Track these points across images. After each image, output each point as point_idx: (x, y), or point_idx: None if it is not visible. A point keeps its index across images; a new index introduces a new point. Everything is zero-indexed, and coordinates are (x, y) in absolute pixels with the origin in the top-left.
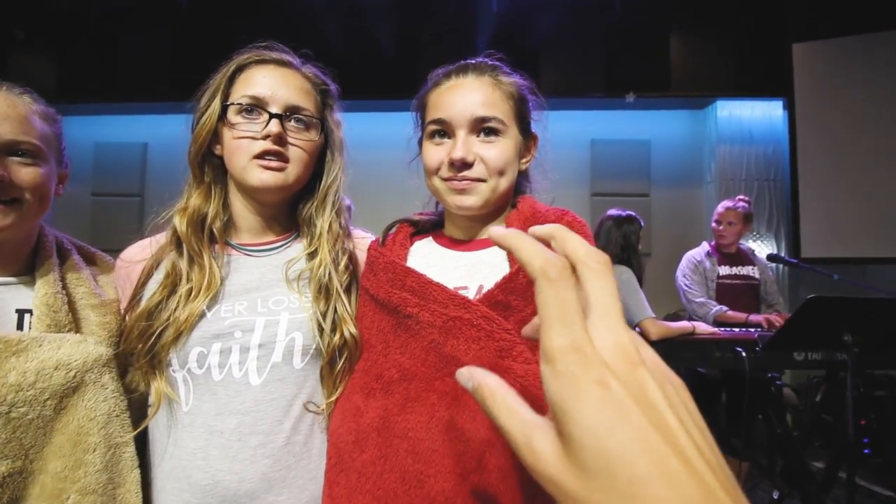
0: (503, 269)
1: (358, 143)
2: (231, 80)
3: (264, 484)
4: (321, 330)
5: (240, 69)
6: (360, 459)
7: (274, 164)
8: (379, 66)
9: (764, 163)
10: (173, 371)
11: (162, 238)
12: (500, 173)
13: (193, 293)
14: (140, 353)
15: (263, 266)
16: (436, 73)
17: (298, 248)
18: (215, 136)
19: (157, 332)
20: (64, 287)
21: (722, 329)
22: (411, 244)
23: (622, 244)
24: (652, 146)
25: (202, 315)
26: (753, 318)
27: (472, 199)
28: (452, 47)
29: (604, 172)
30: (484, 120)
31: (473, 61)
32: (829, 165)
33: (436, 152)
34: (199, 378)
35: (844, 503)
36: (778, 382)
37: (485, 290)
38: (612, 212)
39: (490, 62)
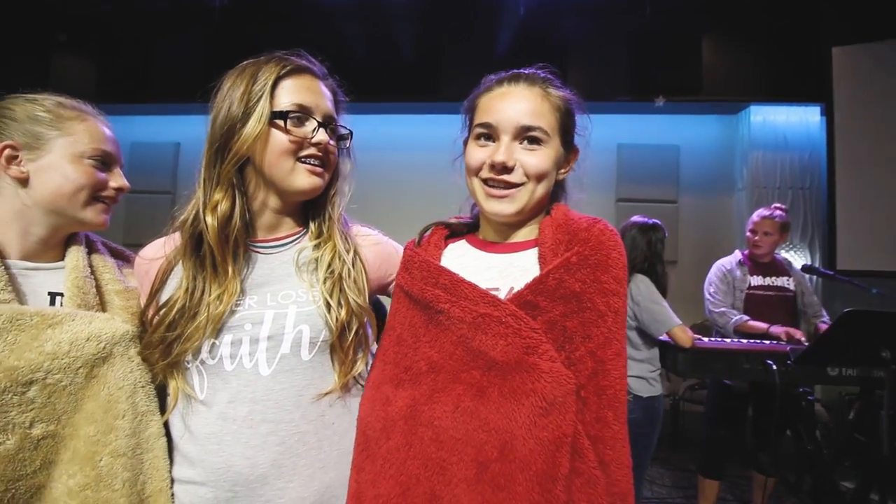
0: (534, 272)
1: (381, 144)
2: (274, 87)
3: (275, 470)
4: (329, 307)
5: (282, 77)
6: (387, 446)
7: (318, 168)
8: (401, 69)
9: (799, 170)
10: (187, 362)
11: (178, 238)
12: (538, 179)
13: (214, 302)
14: (158, 357)
15: (273, 262)
16: (488, 78)
17: (306, 241)
18: None
19: (177, 340)
20: (92, 273)
21: (750, 340)
22: (445, 246)
23: (646, 252)
24: (681, 151)
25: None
26: (774, 329)
27: (509, 207)
28: (478, 51)
29: (630, 178)
30: (528, 129)
31: (526, 71)
32: (868, 174)
33: (479, 153)
34: (211, 368)
35: None
36: (809, 398)
37: (515, 292)
38: (637, 219)
39: (542, 74)
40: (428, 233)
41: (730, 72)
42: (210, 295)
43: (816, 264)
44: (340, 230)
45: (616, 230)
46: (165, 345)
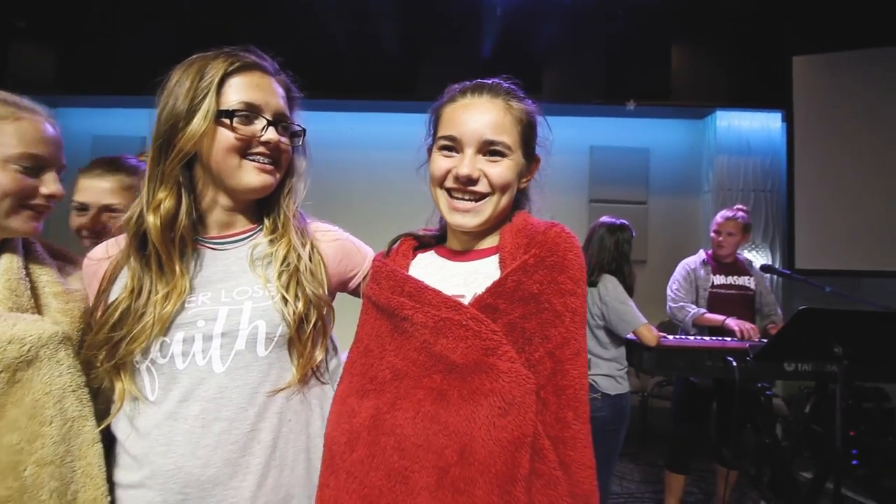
0: (496, 277)
1: (361, 143)
2: (220, 84)
3: (228, 469)
4: (285, 301)
5: (230, 74)
6: (350, 459)
7: (269, 166)
8: (381, 68)
9: (761, 174)
10: (136, 363)
11: (122, 240)
12: (502, 190)
13: (161, 302)
14: (104, 359)
15: (228, 258)
16: (452, 87)
17: (261, 237)
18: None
19: (122, 340)
20: (28, 275)
21: (713, 338)
22: (414, 256)
23: (614, 253)
24: (651, 154)
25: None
26: (730, 322)
27: (473, 220)
28: (455, 52)
29: (602, 179)
30: (492, 143)
31: (490, 82)
32: (825, 178)
33: (443, 163)
34: (162, 367)
35: None
36: (768, 393)
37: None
38: (605, 219)
39: (505, 85)
40: (396, 244)
41: (697, 78)
42: (157, 294)
43: (777, 263)
44: (296, 226)
45: (573, 233)
46: (110, 345)
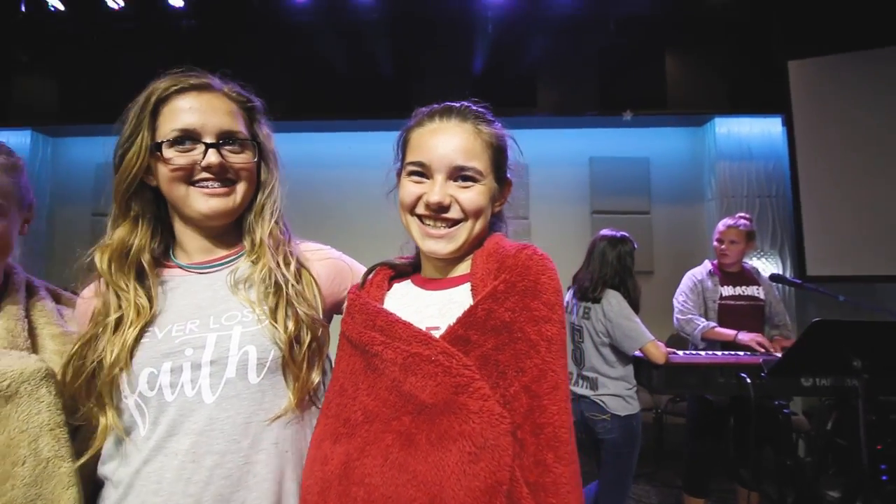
0: (469, 305)
1: (358, 161)
2: (154, 114)
3: None
4: (274, 324)
5: (161, 101)
6: None
7: (219, 189)
8: (376, 86)
9: (765, 179)
10: (125, 398)
11: None
12: (476, 216)
13: (123, 326)
14: (81, 395)
15: (215, 283)
16: (420, 111)
17: (243, 260)
18: (147, 169)
19: (91, 370)
20: (27, 317)
21: (725, 353)
22: (390, 287)
23: (616, 267)
24: (651, 163)
25: (152, 336)
26: (742, 336)
27: (447, 246)
28: (449, 68)
29: (603, 190)
30: (462, 169)
31: (458, 105)
32: (830, 181)
33: (413, 189)
34: (150, 400)
35: None
36: (786, 411)
37: None
38: (606, 232)
39: (474, 108)
40: (372, 274)
41: (692, 85)
42: (115, 314)
43: (787, 271)
44: (274, 244)
45: (546, 255)
46: (85, 379)
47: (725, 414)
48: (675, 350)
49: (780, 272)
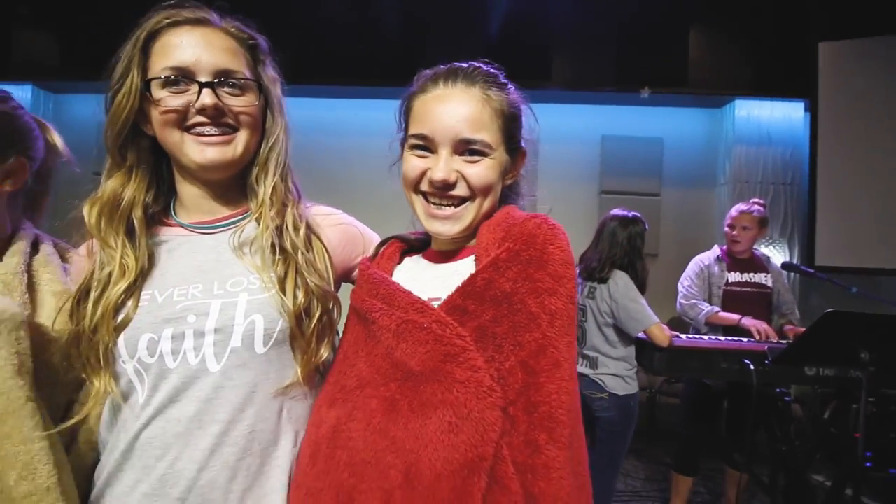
0: None
1: (364, 129)
2: (146, 51)
3: (227, 472)
4: (283, 291)
5: (152, 36)
6: (311, 474)
7: (217, 137)
8: (385, 52)
9: (781, 166)
10: (123, 363)
11: None
12: (484, 193)
13: (112, 282)
14: (75, 354)
15: (219, 245)
16: (423, 74)
17: (248, 219)
18: (141, 114)
19: (77, 331)
20: (28, 272)
21: (728, 338)
22: (401, 260)
23: (626, 247)
24: (665, 144)
25: (152, 300)
26: (745, 322)
27: (453, 227)
28: (462, 35)
29: (614, 170)
30: (469, 142)
31: (465, 66)
32: (849, 172)
33: (417, 164)
34: (151, 367)
35: None
36: (787, 399)
37: None
38: (617, 212)
39: (484, 69)
40: (384, 247)
41: (716, 65)
42: (102, 271)
43: (795, 260)
44: (284, 202)
45: (558, 224)
46: (76, 337)
47: (721, 397)
48: (677, 333)
49: (789, 260)
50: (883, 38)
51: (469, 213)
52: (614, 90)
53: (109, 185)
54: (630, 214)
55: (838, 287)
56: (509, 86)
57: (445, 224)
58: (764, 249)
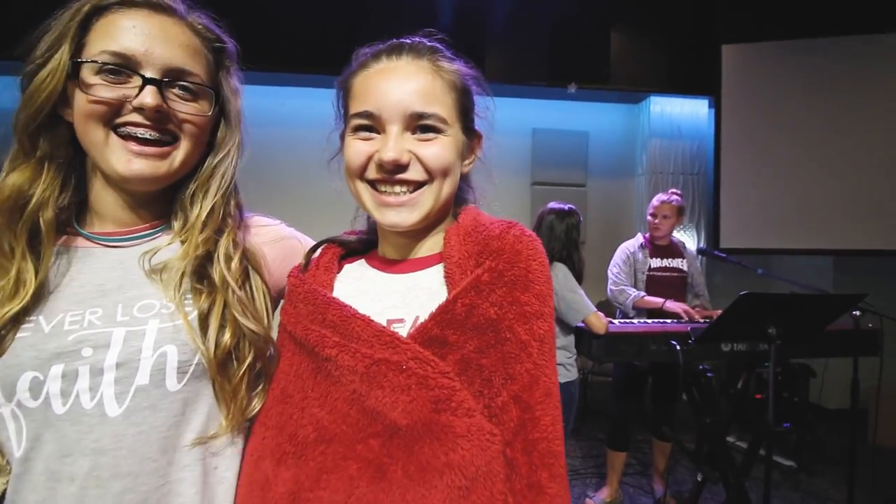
0: (441, 294)
1: (292, 120)
2: (85, 26)
3: None
4: (204, 331)
5: (98, 11)
6: None
7: (150, 148)
8: (316, 38)
9: (689, 157)
10: None
11: None
12: (443, 175)
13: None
14: None
15: (127, 261)
16: (362, 51)
17: (165, 235)
18: (64, 98)
19: None
20: None
21: (655, 321)
22: (340, 269)
23: (564, 240)
24: (590, 137)
25: (36, 329)
26: (669, 304)
27: (410, 216)
28: (397, 26)
29: (544, 161)
30: (422, 116)
31: (409, 41)
32: (749, 162)
33: (361, 147)
34: (33, 412)
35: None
36: (709, 375)
37: (420, 323)
38: (554, 205)
39: (430, 43)
40: (317, 253)
41: (634, 63)
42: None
43: (702, 243)
44: (222, 227)
45: (534, 235)
46: None
47: (646, 375)
48: (611, 320)
49: (696, 244)
50: (781, 43)
51: (427, 198)
52: (545, 85)
53: (12, 179)
54: (566, 207)
55: (744, 268)
56: (459, 59)
57: (401, 212)
58: (676, 234)
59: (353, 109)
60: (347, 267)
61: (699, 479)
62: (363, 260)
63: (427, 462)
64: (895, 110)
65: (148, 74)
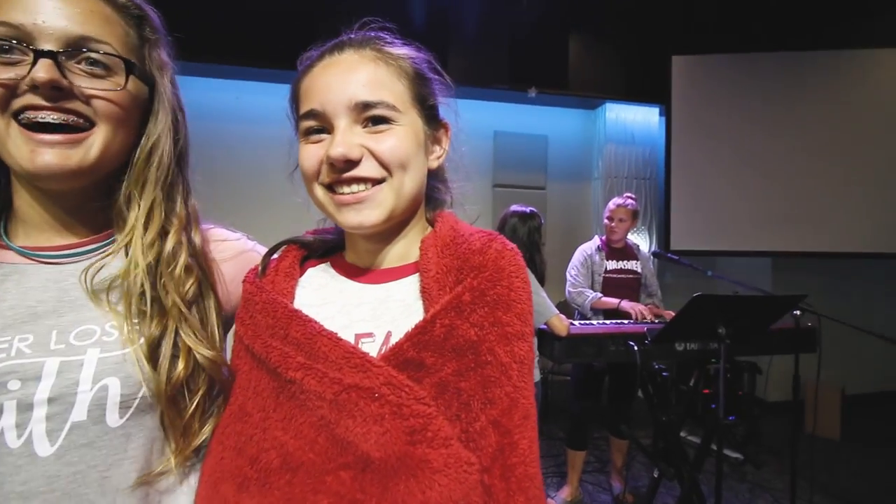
0: (416, 309)
1: (247, 116)
2: None
3: None
4: (153, 361)
5: None
6: None
7: (58, 136)
8: (274, 32)
9: (643, 162)
10: None
11: None
12: (402, 168)
13: None
14: None
15: (64, 279)
16: (306, 55)
17: (112, 249)
18: None
19: None
20: None
21: (612, 322)
22: (302, 273)
23: (526, 243)
24: (549, 141)
25: None
26: (624, 304)
27: (371, 215)
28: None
29: (505, 164)
30: (368, 105)
31: (352, 35)
32: (698, 169)
33: (312, 152)
34: None
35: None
36: (665, 374)
37: (393, 341)
38: (516, 208)
39: (372, 34)
40: (277, 254)
41: (591, 70)
42: None
43: (653, 245)
44: (167, 227)
45: (516, 248)
46: None
47: (602, 375)
48: (572, 321)
49: (648, 246)
50: (729, 56)
51: (387, 195)
52: (507, 88)
53: None
54: (528, 210)
55: (694, 270)
56: (409, 44)
57: (361, 211)
58: (630, 237)
59: (300, 112)
60: (311, 271)
61: (655, 476)
62: (328, 264)
63: (402, 500)
64: (829, 121)
65: (45, 47)
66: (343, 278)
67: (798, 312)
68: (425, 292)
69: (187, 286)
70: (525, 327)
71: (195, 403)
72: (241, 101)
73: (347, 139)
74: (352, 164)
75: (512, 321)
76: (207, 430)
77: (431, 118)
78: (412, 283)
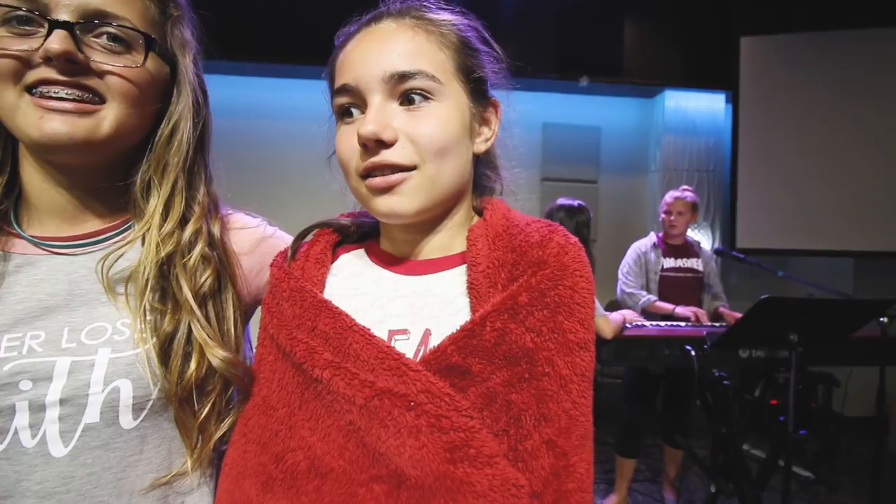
0: (460, 306)
1: (300, 113)
2: None
3: None
4: (165, 360)
5: None
6: None
7: (69, 103)
8: (318, 28)
9: (705, 154)
10: None
11: None
12: (440, 154)
13: None
14: None
15: (78, 271)
16: (344, 29)
17: (128, 238)
18: None
19: None
20: None
21: (668, 324)
22: (334, 258)
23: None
24: (602, 133)
25: None
26: (679, 310)
27: (402, 203)
28: None
29: (555, 157)
30: (404, 77)
31: (391, 6)
32: (767, 160)
33: (348, 137)
34: None
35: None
36: (726, 382)
37: (432, 341)
38: (563, 201)
39: (413, 2)
40: (308, 238)
41: (648, 56)
42: None
43: (717, 243)
44: (187, 218)
45: (578, 241)
46: None
47: (658, 380)
48: (629, 322)
49: (710, 244)
50: (800, 35)
51: (422, 182)
52: (555, 78)
53: None
54: (576, 203)
55: (762, 269)
56: (454, 9)
57: (392, 198)
58: (689, 233)
59: (334, 88)
60: (344, 258)
61: (713, 490)
62: (362, 251)
63: None
64: None
65: (61, 17)
66: (378, 267)
67: (885, 319)
68: (473, 288)
69: (203, 278)
70: (588, 335)
71: (210, 404)
72: (292, 99)
73: (380, 116)
74: (382, 143)
75: (575, 328)
76: (224, 427)
77: (478, 94)
78: (456, 276)
